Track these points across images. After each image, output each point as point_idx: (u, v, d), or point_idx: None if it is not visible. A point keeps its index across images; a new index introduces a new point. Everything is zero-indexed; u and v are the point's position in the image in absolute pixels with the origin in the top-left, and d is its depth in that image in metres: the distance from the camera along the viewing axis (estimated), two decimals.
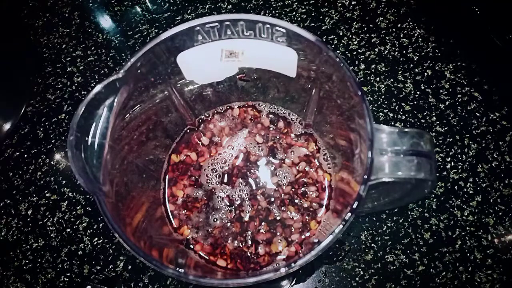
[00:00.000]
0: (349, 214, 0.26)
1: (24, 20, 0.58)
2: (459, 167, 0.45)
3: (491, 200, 0.43)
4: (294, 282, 0.41)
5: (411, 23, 0.52)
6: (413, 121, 0.47)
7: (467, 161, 0.45)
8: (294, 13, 0.54)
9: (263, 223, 0.39)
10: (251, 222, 0.39)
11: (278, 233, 0.38)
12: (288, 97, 0.41)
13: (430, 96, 0.48)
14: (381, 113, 0.48)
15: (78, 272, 0.43)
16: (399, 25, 0.53)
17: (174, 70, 0.35)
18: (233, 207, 0.40)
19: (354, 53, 0.51)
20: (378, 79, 0.50)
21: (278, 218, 0.39)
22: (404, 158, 0.27)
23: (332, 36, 0.52)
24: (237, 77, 0.39)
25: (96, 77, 0.53)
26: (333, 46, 0.52)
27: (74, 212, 0.46)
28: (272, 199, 0.40)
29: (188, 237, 0.39)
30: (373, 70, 0.50)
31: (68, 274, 0.43)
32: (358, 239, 0.42)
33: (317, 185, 0.40)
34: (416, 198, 0.36)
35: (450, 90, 0.48)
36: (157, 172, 0.41)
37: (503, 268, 0.40)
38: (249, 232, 0.39)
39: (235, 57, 0.35)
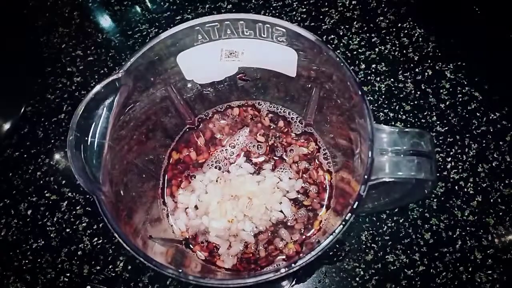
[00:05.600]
0: (349, 214, 0.26)
1: (24, 20, 0.58)
2: (460, 167, 0.45)
3: (492, 200, 0.43)
4: (294, 282, 0.41)
5: (411, 23, 0.52)
6: (413, 121, 0.47)
7: (468, 161, 0.45)
8: (294, 12, 0.54)
9: None
10: None
11: (279, 233, 0.38)
12: (288, 97, 0.41)
13: (431, 96, 0.48)
14: (381, 113, 0.48)
15: (78, 272, 0.43)
16: (399, 25, 0.52)
17: (174, 69, 0.35)
18: None
19: (354, 52, 0.51)
20: (378, 78, 0.50)
21: (278, 218, 0.39)
22: (405, 158, 0.27)
23: (332, 36, 0.52)
24: (237, 76, 0.39)
25: (96, 77, 0.53)
26: (333, 45, 0.52)
27: (74, 212, 0.46)
28: None
29: (188, 237, 0.39)
30: (373, 70, 0.50)
31: (68, 274, 0.43)
32: (358, 239, 0.42)
33: (317, 184, 0.40)
34: (416, 198, 0.36)
35: (451, 90, 0.48)
36: (156, 171, 0.41)
37: (503, 268, 0.40)
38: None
39: (235, 56, 0.35)
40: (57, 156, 0.49)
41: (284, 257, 0.38)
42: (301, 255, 0.31)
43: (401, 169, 0.27)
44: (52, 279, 0.43)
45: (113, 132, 0.31)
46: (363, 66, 0.50)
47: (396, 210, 0.43)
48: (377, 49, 0.51)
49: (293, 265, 0.26)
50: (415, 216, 0.43)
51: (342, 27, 0.53)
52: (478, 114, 0.47)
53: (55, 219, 0.46)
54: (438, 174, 0.44)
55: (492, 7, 0.49)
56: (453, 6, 0.52)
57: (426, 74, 0.49)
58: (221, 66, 0.36)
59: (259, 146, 0.42)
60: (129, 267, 0.43)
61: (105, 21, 0.57)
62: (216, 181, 0.39)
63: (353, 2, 0.54)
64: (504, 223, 0.42)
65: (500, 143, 0.45)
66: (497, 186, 0.43)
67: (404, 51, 0.51)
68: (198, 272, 0.35)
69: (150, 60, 0.33)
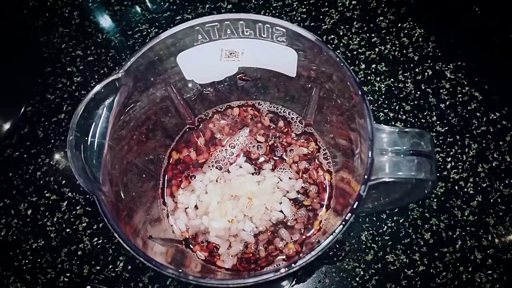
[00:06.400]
0: (349, 214, 0.26)
1: (24, 20, 0.58)
2: (460, 167, 0.45)
3: (492, 200, 0.43)
4: (294, 282, 0.41)
5: (411, 23, 0.52)
6: (413, 121, 0.47)
7: (468, 161, 0.45)
8: (294, 12, 0.54)
9: None
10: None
11: (279, 233, 0.38)
12: (288, 97, 0.41)
13: (431, 96, 0.48)
14: (381, 113, 0.48)
15: (78, 272, 0.43)
16: (399, 25, 0.52)
17: (174, 69, 0.35)
18: None
19: (355, 52, 0.51)
20: (378, 78, 0.50)
21: (278, 218, 0.39)
22: (405, 158, 0.27)
23: (332, 36, 0.52)
24: (237, 76, 0.39)
25: (96, 77, 0.53)
26: (333, 45, 0.52)
27: (74, 212, 0.46)
28: None
29: (188, 237, 0.39)
30: (373, 70, 0.50)
31: (68, 274, 0.43)
32: (358, 239, 0.42)
33: (317, 184, 0.40)
34: (416, 198, 0.36)
35: (451, 89, 0.48)
36: (156, 171, 0.41)
37: (503, 268, 0.40)
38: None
39: (235, 56, 0.35)
40: (57, 156, 0.49)
41: (284, 257, 0.38)
42: (301, 255, 0.31)
43: (401, 169, 0.27)
44: (52, 279, 0.43)
45: (113, 132, 0.31)
46: (363, 66, 0.50)
47: (396, 210, 0.43)
48: (377, 49, 0.51)
49: (293, 265, 0.26)
50: (415, 216, 0.43)
51: (342, 27, 0.53)
52: (478, 114, 0.47)
53: (55, 219, 0.46)
54: (438, 174, 0.44)
55: (492, 7, 0.49)
56: (453, 6, 0.52)
57: (426, 74, 0.49)
58: (221, 66, 0.36)
59: (259, 146, 0.42)
60: (129, 267, 0.43)
61: (105, 21, 0.57)
62: (216, 181, 0.39)
63: (353, 2, 0.54)
64: (504, 223, 0.42)
65: (500, 143, 0.45)
66: (497, 186, 0.43)
67: (404, 51, 0.51)
68: (198, 272, 0.35)
69: (150, 60, 0.33)
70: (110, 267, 0.43)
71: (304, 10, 0.54)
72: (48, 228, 0.45)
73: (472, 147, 0.45)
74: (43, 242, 0.45)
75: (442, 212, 0.43)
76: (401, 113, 0.47)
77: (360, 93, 0.28)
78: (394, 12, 0.53)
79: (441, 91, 0.48)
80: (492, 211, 0.43)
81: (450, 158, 0.45)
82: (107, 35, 0.56)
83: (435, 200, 0.43)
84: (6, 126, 0.51)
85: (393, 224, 0.43)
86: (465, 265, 0.41)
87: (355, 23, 0.53)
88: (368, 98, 0.48)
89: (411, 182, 0.29)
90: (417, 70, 0.50)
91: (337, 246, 0.42)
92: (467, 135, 0.46)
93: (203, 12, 0.56)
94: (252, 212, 0.37)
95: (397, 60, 0.50)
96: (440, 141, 0.46)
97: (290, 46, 0.33)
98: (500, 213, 0.42)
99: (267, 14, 0.55)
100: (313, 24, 0.53)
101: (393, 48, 0.51)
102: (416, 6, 0.54)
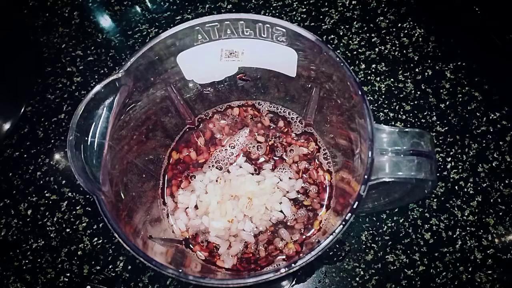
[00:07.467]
0: (349, 214, 0.26)
1: (24, 20, 0.58)
2: (460, 167, 0.45)
3: (492, 200, 0.43)
4: (294, 282, 0.41)
5: (411, 23, 0.52)
6: (413, 121, 0.47)
7: (468, 161, 0.45)
8: (294, 12, 0.54)
9: None
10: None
11: (279, 233, 0.38)
12: (288, 97, 0.41)
13: (431, 96, 0.48)
14: (381, 113, 0.48)
15: (78, 272, 0.43)
16: (399, 25, 0.52)
17: (174, 69, 0.35)
18: None
19: (355, 52, 0.51)
20: (378, 78, 0.50)
21: (278, 218, 0.39)
22: (405, 158, 0.27)
23: (332, 36, 0.52)
24: (237, 76, 0.39)
25: (96, 77, 0.53)
26: (333, 45, 0.52)
27: (74, 212, 0.46)
28: None
29: (188, 237, 0.39)
30: (373, 70, 0.50)
31: (68, 274, 0.43)
32: (358, 239, 0.42)
33: (317, 184, 0.40)
34: (416, 198, 0.36)
35: (451, 89, 0.48)
36: (156, 171, 0.41)
37: (503, 268, 0.40)
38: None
39: (235, 56, 0.35)
40: (57, 156, 0.49)
41: (284, 257, 0.38)
42: (301, 255, 0.31)
43: (401, 169, 0.27)
44: (52, 279, 0.43)
45: (113, 132, 0.31)
46: (363, 66, 0.50)
47: (396, 210, 0.43)
48: (377, 49, 0.51)
49: (293, 265, 0.26)
50: (415, 216, 0.43)
51: (342, 27, 0.53)
52: (478, 114, 0.47)
53: (55, 219, 0.46)
54: (438, 174, 0.44)
55: (492, 7, 0.49)
56: (453, 6, 0.52)
57: (426, 74, 0.49)
58: (221, 66, 0.36)
59: (259, 146, 0.42)
60: (129, 267, 0.43)
61: (105, 21, 0.57)
62: (216, 181, 0.39)
63: (353, 2, 0.54)
64: (504, 223, 0.42)
65: (500, 143, 0.45)
66: (497, 186, 0.43)
67: (404, 51, 0.51)
68: (198, 272, 0.35)
69: (150, 60, 0.33)
70: (110, 267, 0.43)
71: (304, 10, 0.54)
72: (48, 228, 0.45)
73: (472, 147, 0.45)
74: (43, 242, 0.45)
75: (442, 212, 0.43)
76: (401, 113, 0.47)
77: (360, 93, 0.28)
78: (394, 12, 0.53)
79: (441, 91, 0.48)
80: (492, 211, 0.43)
81: (450, 158, 0.45)
82: (107, 35, 0.56)
83: (435, 200, 0.43)
84: (6, 126, 0.51)
85: (393, 224, 0.43)
86: (465, 265, 0.41)
87: (355, 23, 0.53)
88: (368, 98, 0.48)
89: (411, 182, 0.29)
90: (417, 70, 0.50)
91: (337, 246, 0.42)
92: (467, 135, 0.46)
93: (203, 12, 0.56)
94: (252, 212, 0.37)
95: (397, 60, 0.50)
96: (440, 141, 0.46)
97: (290, 46, 0.33)
98: (500, 213, 0.42)
99: (267, 14, 0.55)
100: (313, 24, 0.53)
101: (393, 48, 0.51)
102: (416, 6, 0.54)
